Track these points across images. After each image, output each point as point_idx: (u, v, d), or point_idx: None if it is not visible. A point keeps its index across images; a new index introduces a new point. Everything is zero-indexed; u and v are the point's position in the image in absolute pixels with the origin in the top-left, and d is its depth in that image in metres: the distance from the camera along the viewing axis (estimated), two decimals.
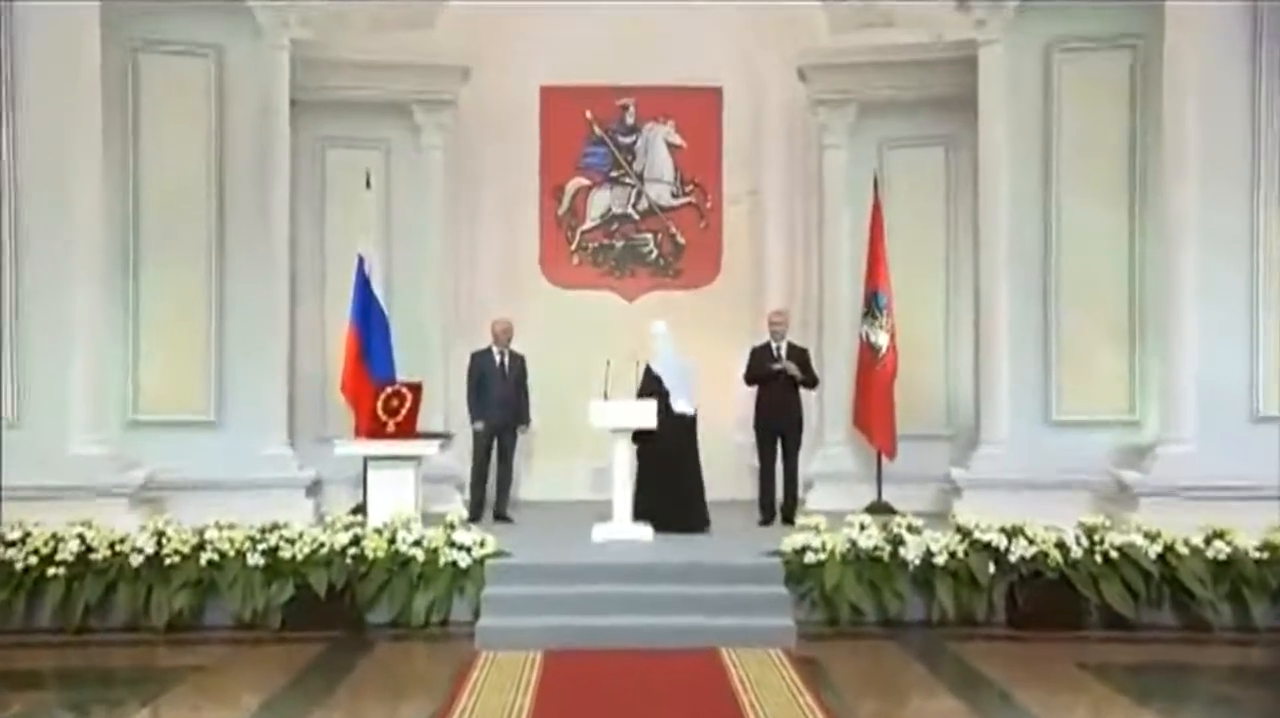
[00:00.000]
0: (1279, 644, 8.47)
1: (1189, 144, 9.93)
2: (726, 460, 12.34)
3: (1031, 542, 8.74)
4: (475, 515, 10.97)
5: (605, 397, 9.98)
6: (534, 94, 13.10)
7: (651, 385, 10.37)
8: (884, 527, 9.01)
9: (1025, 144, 10.96)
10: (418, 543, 8.84)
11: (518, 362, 11.46)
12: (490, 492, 11.38)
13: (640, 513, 9.93)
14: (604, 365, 10.07)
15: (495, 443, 11.35)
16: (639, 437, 10.01)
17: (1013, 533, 8.82)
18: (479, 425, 11.29)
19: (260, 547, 8.72)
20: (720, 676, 7.50)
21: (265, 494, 10.40)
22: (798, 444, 11.06)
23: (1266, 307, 9.85)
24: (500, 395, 11.29)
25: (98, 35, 9.99)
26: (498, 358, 11.41)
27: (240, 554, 8.70)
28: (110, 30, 10.19)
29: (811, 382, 11.06)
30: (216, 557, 8.69)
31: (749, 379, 11.05)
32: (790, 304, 12.34)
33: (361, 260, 11.17)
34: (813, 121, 12.52)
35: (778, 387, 10.90)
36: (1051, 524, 8.97)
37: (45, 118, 9.75)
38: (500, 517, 11.16)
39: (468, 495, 11.48)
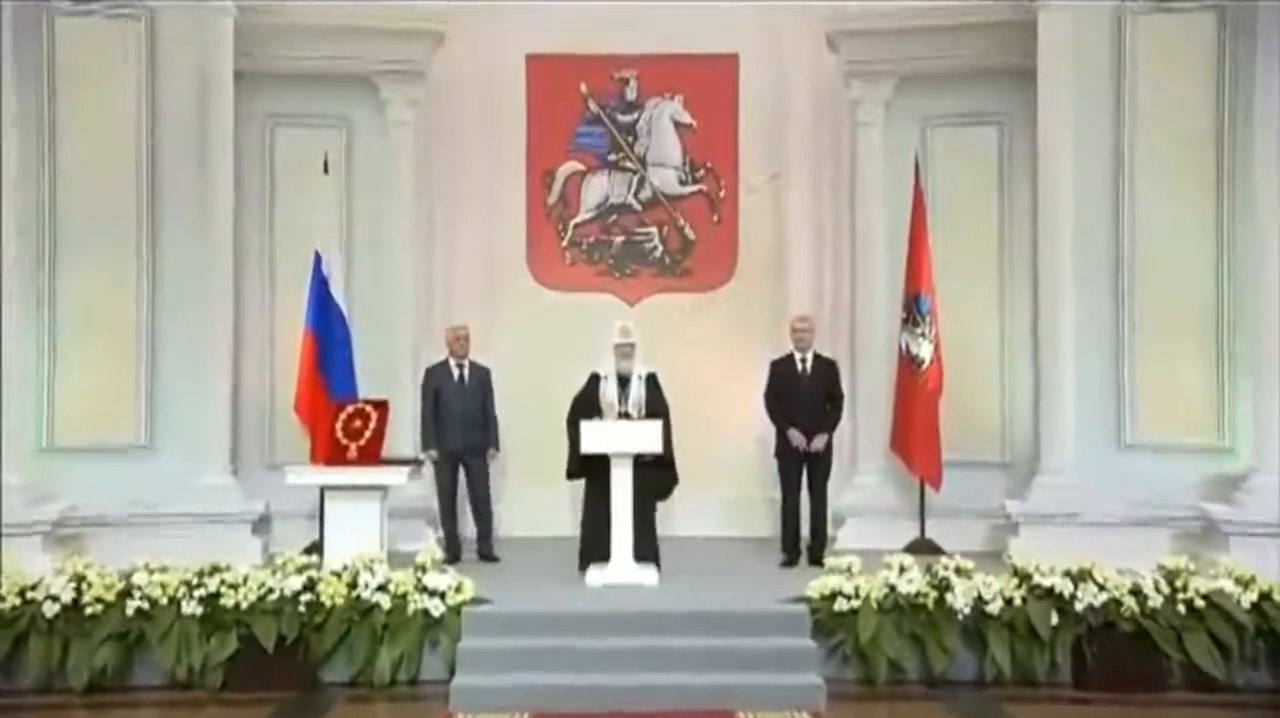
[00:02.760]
0: None
1: None
2: (743, 492, 12.33)
3: (1102, 588, 8.69)
4: (453, 556, 10.94)
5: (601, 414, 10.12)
6: (519, 64, 13.06)
7: (587, 405, 10.35)
8: (928, 569, 8.96)
9: (1093, 122, 10.91)
10: (383, 588, 8.80)
11: (480, 375, 11.41)
12: (466, 528, 11.34)
13: (594, 553, 9.98)
14: (601, 380, 10.11)
15: (462, 472, 11.30)
16: (592, 466, 10.01)
17: (1079, 577, 8.77)
18: (434, 453, 11.25)
19: (198, 593, 8.66)
20: None
21: (204, 531, 10.39)
22: (826, 473, 11.01)
23: None
24: (460, 415, 11.24)
25: None
26: (455, 372, 11.36)
27: (174, 602, 8.63)
28: None
29: (837, 410, 11.02)
30: (146, 605, 8.62)
31: (770, 401, 11.02)
32: (817, 310, 12.33)
33: (318, 258, 11.14)
34: (844, 96, 12.48)
35: (803, 405, 10.87)
36: (1125, 567, 8.93)
37: None
38: (485, 556, 11.13)
39: (441, 533, 11.43)
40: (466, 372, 11.36)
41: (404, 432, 11.52)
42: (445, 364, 11.40)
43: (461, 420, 11.23)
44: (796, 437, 10.78)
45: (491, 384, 11.41)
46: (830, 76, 12.62)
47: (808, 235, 12.97)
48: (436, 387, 11.31)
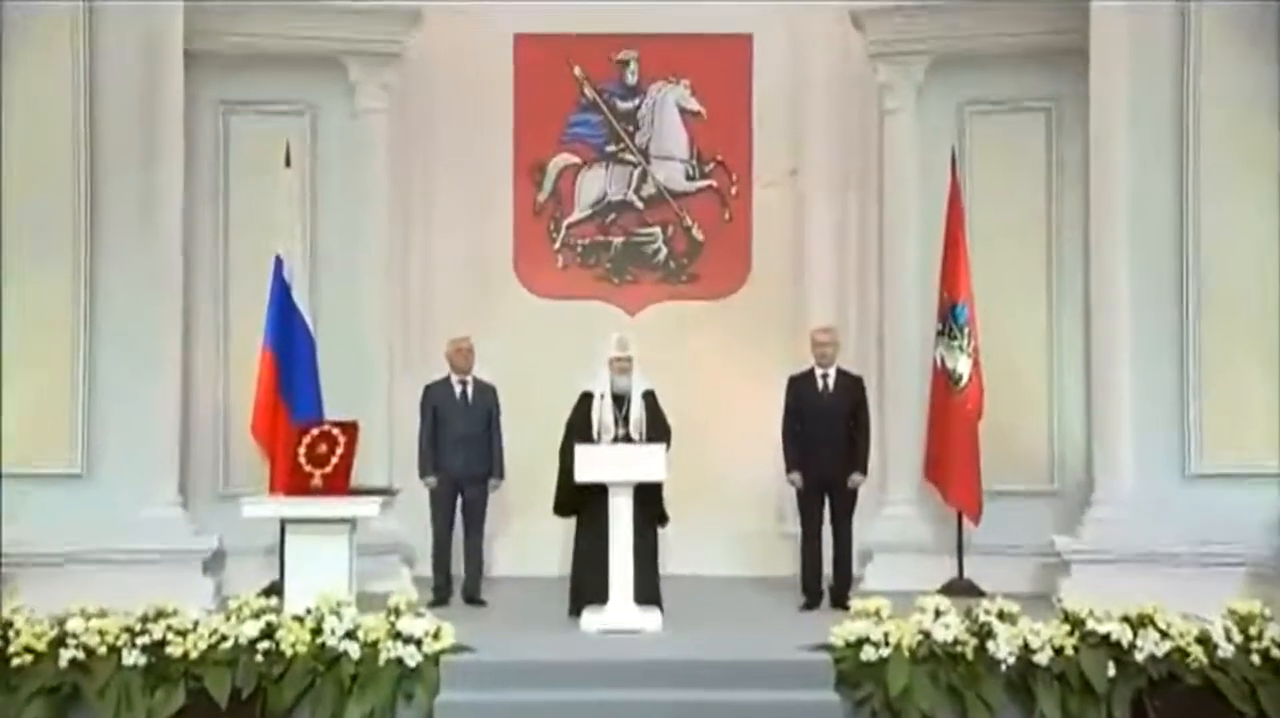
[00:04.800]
0: None
1: None
2: (758, 525, 12.33)
3: (1164, 635, 8.61)
4: (441, 598, 10.96)
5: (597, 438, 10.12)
6: (505, 44, 13.10)
7: (580, 426, 10.33)
8: (967, 613, 8.88)
9: (1152, 109, 10.89)
10: (351, 635, 8.70)
11: (485, 394, 11.40)
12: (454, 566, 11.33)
13: (588, 595, 9.97)
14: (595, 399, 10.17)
15: (459, 501, 11.29)
16: (585, 497, 10.01)
17: (1139, 623, 8.68)
18: (431, 481, 11.21)
19: (141, 641, 8.56)
20: None
21: (148, 570, 10.33)
22: (852, 503, 11.00)
23: None
24: (461, 438, 11.23)
25: None
26: (458, 389, 11.36)
27: (114, 652, 8.53)
28: None
29: (864, 438, 11.00)
30: (82, 655, 8.52)
31: (789, 427, 11.01)
32: (841, 320, 12.33)
33: (279, 263, 11.17)
34: (871, 80, 12.51)
35: (824, 425, 10.87)
36: (1191, 612, 8.87)
37: None
38: (471, 599, 11.13)
39: (429, 573, 11.36)
40: (469, 389, 11.36)
41: (375, 458, 11.53)
42: (446, 381, 11.39)
43: (462, 444, 11.23)
44: (795, 480, 10.91)
45: (498, 404, 11.41)
46: (855, 58, 12.65)
47: (830, 236, 12.99)
48: (435, 405, 11.30)
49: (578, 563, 10.35)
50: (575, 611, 10.04)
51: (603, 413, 10.30)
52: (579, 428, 10.32)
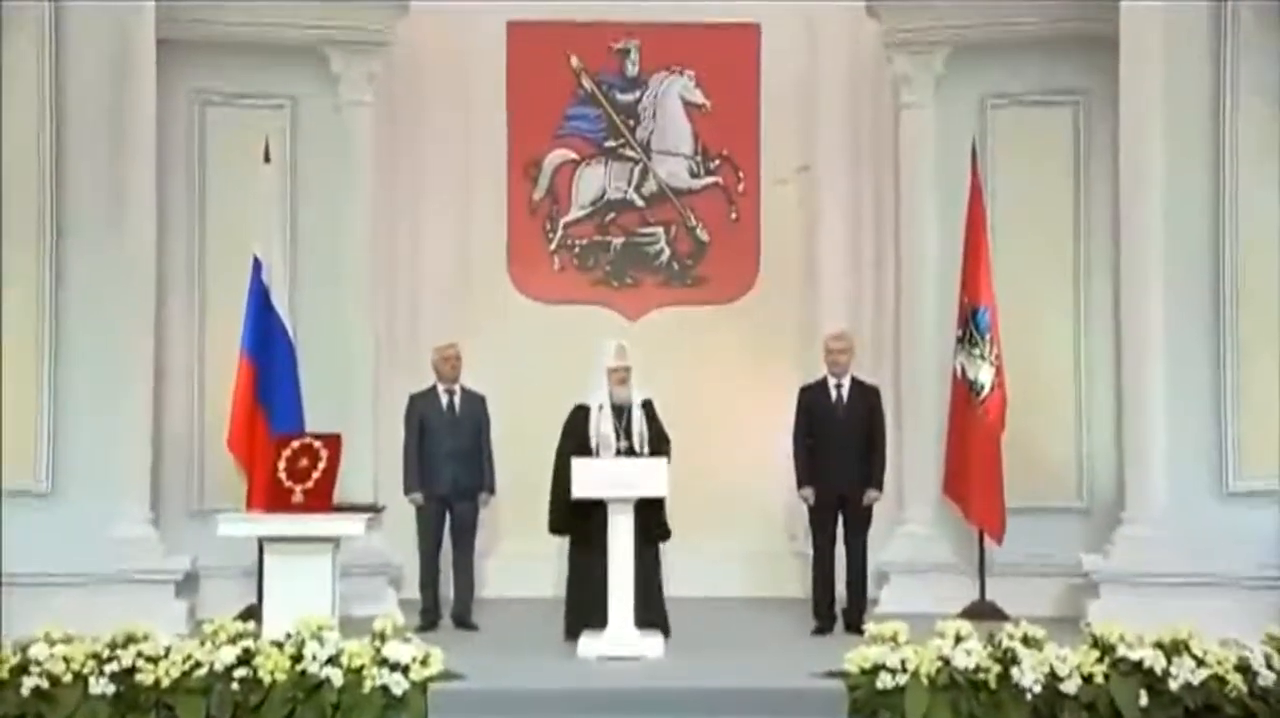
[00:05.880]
0: None
1: None
2: (767, 544, 12.34)
3: (1200, 662, 8.57)
4: (430, 622, 10.96)
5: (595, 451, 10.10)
6: (498, 32, 13.11)
7: (576, 440, 10.30)
8: (989, 638, 8.84)
9: (1186, 102, 10.87)
10: (333, 661, 8.66)
11: (474, 404, 11.39)
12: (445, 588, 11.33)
13: (586, 618, 9.95)
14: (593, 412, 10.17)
15: (448, 519, 11.28)
16: (582, 514, 9.99)
17: (1173, 649, 8.65)
18: (418, 497, 11.19)
19: (109, 668, 8.52)
20: None
21: (117, 593, 10.34)
22: (867, 520, 10.97)
23: None
24: (449, 452, 11.21)
25: None
26: (445, 399, 11.34)
27: (80, 679, 8.50)
28: None
29: (879, 452, 10.97)
30: (46, 683, 8.48)
31: (800, 440, 11.00)
32: (855, 326, 12.30)
33: (258, 265, 11.15)
34: (886, 71, 12.49)
35: (838, 438, 10.85)
36: (1229, 638, 8.82)
37: None
38: (462, 622, 11.12)
39: (417, 595, 11.36)
40: (457, 399, 11.34)
41: (360, 472, 11.50)
42: (432, 391, 11.37)
43: (451, 457, 11.21)
44: (808, 496, 10.90)
45: (487, 415, 11.40)
46: (869, 48, 12.67)
47: (843, 237, 13.02)
48: (421, 417, 11.28)
49: (574, 582, 10.31)
50: (572, 633, 10.00)
51: (602, 426, 10.26)
52: (576, 444, 10.27)
